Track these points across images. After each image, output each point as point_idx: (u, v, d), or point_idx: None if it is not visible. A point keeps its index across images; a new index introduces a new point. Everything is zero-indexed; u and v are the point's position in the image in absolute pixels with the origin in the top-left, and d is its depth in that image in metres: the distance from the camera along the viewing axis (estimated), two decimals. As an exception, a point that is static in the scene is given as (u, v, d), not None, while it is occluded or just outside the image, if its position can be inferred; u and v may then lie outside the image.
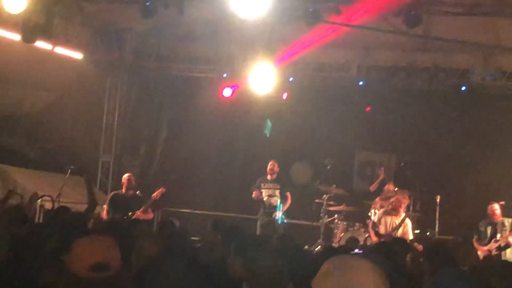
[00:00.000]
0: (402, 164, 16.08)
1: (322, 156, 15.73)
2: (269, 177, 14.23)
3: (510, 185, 15.07)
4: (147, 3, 13.50)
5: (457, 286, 4.46)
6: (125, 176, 13.23)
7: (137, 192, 13.05)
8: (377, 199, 14.73)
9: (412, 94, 16.21)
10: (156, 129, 17.92)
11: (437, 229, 13.93)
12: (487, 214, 12.99)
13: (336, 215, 14.82)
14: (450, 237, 14.16)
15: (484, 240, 12.87)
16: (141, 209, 12.63)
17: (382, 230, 12.95)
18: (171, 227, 9.07)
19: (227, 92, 16.67)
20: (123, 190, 13.05)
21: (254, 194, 14.12)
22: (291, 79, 16.40)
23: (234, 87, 16.55)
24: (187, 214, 15.73)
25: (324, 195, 14.67)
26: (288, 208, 14.16)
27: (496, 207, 12.90)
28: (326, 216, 14.71)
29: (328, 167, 15.15)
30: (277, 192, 14.08)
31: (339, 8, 12.78)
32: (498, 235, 12.71)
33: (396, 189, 14.40)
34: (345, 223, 14.59)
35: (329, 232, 14.73)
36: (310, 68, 16.39)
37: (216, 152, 17.83)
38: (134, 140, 17.76)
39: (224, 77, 16.37)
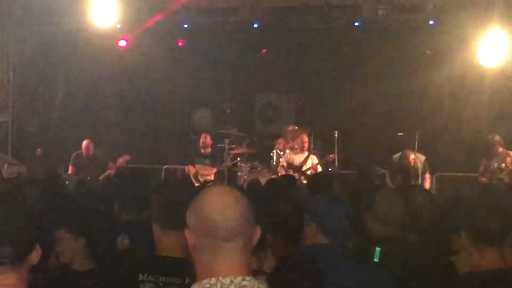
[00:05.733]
0: (300, 103, 16.24)
1: (222, 102, 15.90)
2: (202, 151, 14.45)
3: (408, 116, 15.41)
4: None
5: (330, 209, 4.56)
6: (84, 143, 13.94)
7: (99, 153, 14.04)
8: (279, 139, 14.93)
9: (307, 33, 16.19)
10: (53, 85, 17.47)
11: (337, 165, 14.09)
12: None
13: (238, 158, 14.92)
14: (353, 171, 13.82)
15: None
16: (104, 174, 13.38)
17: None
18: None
19: (122, 43, 16.49)
20: (84, 154, 13.93)
21: (187, 170, 14.27)
22: (185, 25, 16.31)
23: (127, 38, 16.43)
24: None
25: (225, 139, 14.77)
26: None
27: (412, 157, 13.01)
28: (229, 159, 14.78)
29: (228, 111, 15.38)
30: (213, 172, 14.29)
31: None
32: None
33: (296, 128, 14.70)
34: (248, 165, 14.70)
35: (233, 175, 14.72)
36: (203, 14, 16.30)
37: (117, 104, 17.59)
38: (32, 97, 17.40)
39: (118, 28, 15.87)
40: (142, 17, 15.89)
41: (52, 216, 4.82)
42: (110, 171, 13.57)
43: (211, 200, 2.83)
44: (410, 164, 12.89)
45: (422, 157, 13.08)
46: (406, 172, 12.30)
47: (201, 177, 13.96)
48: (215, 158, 14.40)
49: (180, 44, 16.64)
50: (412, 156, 12.93)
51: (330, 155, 14.10)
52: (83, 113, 16.99)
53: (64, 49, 16.41)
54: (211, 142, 14.46)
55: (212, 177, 13.98)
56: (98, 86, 17.22)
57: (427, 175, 13.06)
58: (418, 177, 12.87)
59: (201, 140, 14.41)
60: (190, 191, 4.37)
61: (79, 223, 4.51)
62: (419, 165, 12.95)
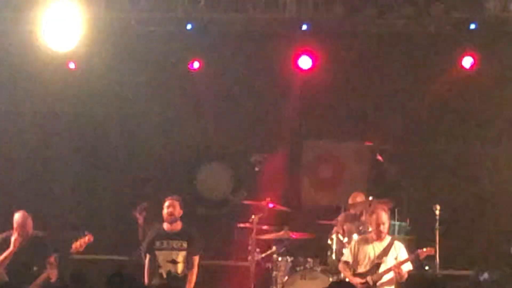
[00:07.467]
0: (377, 157, 12.91)
1: (248, 153, 13.10)
2: (166, 226, 10.65)
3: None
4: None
5: None
6: (18, 217, 10.38)
7: (39, 235, 10.69)
8: (341, 216, 11.93)
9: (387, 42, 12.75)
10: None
11: (438, 260, 11.05)
12: None
13: (274, 247, 11.81)
14: (466, 273, 12.03)
15: None
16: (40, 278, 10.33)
17: (362, 267, 10.80)
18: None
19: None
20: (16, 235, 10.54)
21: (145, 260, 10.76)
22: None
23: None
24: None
25: (253, 216, 11.48)
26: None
27: None
28: (257, 249, 11.69)
29: (257, 169, 12.97)
30: (181, 256, 10.52)
31: None
32: None
33: (371, 198, 11.77)
34: (289, 259, 11.66)
35: (265, 276, 11.83)
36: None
37: (76, 155, 13.64)
38: None
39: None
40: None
41: None
42: (47, 274, 10.08)
43: None
44: None
45: None
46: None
47: (162, 266, 10.54)
48: (187, 236, 10.70)
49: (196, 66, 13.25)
50: None
51: (424, 249, 10.90)
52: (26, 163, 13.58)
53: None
54: (182, 212, 10.64)
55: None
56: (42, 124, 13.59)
57: None
58: None
59: (165, 209, 10.60)
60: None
61: None
62: None
